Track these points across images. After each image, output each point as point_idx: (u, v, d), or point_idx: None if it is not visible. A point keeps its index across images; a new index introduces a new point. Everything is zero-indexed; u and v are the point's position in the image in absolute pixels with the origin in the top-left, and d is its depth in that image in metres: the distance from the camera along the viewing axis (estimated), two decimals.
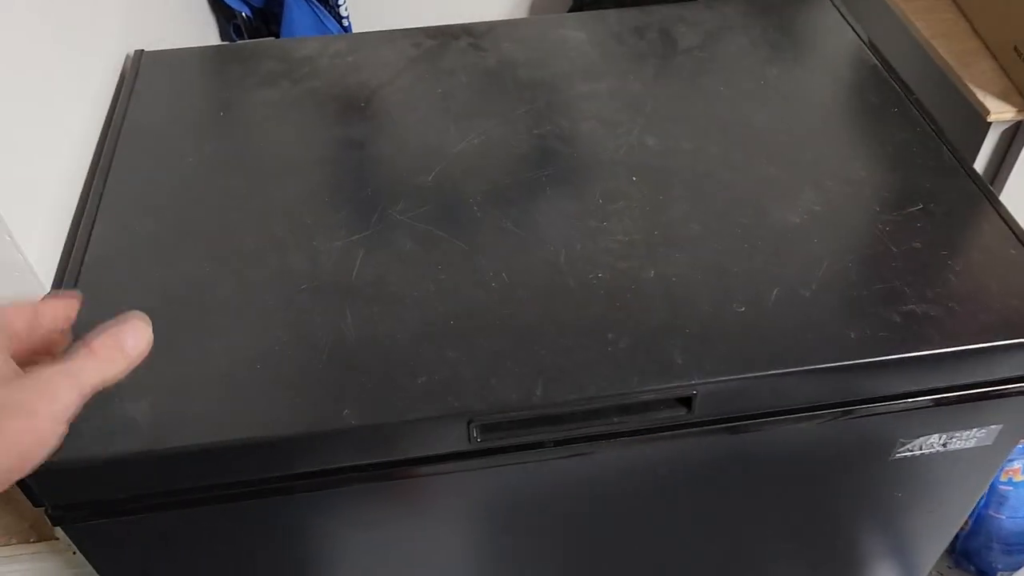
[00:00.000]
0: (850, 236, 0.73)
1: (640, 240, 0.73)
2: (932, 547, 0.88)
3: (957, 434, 0.72)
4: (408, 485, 0.66)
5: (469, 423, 0.61)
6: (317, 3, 1.35)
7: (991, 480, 0.80)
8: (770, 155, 0.81)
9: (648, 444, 0.66)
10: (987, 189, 0.77)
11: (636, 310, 0.67)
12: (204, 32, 1.36)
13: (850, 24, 0.99)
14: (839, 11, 1.01)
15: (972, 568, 1.43)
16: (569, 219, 0.75)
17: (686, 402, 0.63)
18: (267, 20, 1.41)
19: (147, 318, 0.42)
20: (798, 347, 0.64)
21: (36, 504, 0.60)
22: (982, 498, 1.34)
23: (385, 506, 0.68)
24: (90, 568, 0.89)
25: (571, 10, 1.57)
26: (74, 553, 0.91)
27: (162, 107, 0.88)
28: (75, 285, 0.69)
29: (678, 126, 0.85)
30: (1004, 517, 1.35)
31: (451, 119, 0.86)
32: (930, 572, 1.42)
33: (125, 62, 0.96)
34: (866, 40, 0.97)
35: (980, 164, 1.00)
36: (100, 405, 0.59)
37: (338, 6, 1.37)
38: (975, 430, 0.72)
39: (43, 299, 0.43)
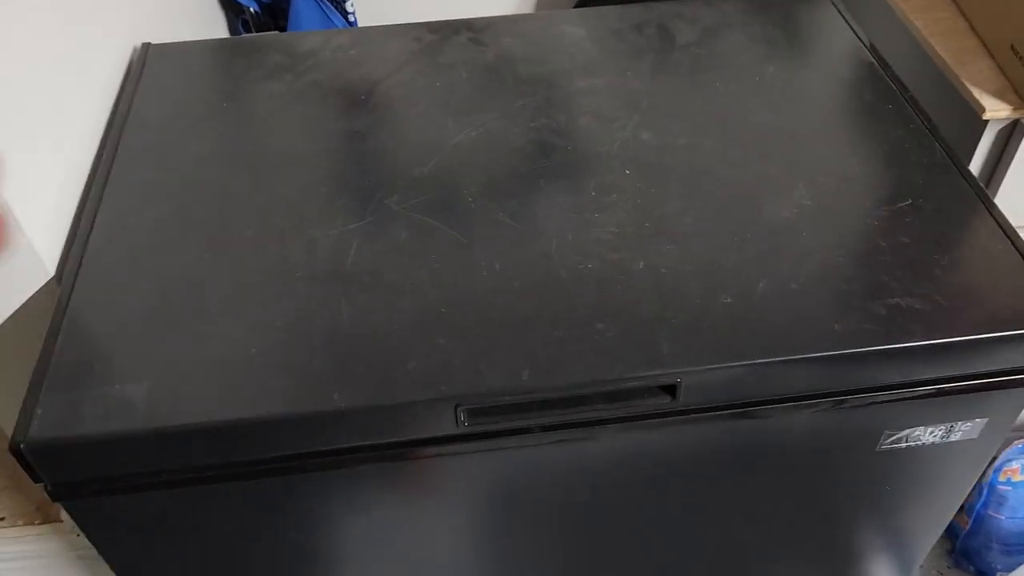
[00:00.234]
0: (840, 231, 0.74)
1: (632, 232, 0.74)
2: (923, 539, 0.89)
3: (942, 426, 0.72)
4: (398, 468, 0.68)
5: (457, 407, 0.62)
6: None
7: (979, 473, 0.80)
8: (765, 151, 0.82)
9: (634, 432, 0.67)
10: (977, 186, 0.78)
11: (625, 301, 0.68)
12: (213, 28, 1.38)
13: (848, 22, 1.00)
14: (837, 9, 1.02)
15: (972, 568, 1.43)
16: (563, 211, 0.76)
17: (670, 390, 0.64)
18: (275, 16, 1.43)
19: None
20: (783, 337, 0.65)
21: (36, 480, 0.61)
22: (981, 498, 1.35)
23: (377, 488, 0.70)
24: (93, 550, 0.92)
25: (577, 6, 1.58)
26: (77, 535, 0.93)
27: (167, 98, 0.90)
28: (78, 269, 0.71)
29: (674, 122, 0.86)
30: (1003, 517, 1.35)
31: (450, 113, 0.87)
32: (930, 572, 1.43)
33: (132, 54, 0.98)
34: (863, 38, 0.97)
35: (977, 162, 1.00)
36: (101, 387, 0.62)
37: (344, 2, 1.38)
38: (960, 423, 0.73)
39: None
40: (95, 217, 0.76)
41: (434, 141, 0.84)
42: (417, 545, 0.77)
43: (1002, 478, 1.33)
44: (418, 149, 0.83)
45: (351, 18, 1.41)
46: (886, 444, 0.73)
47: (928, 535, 0.89)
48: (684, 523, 0.82)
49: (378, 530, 0.74)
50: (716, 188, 0.78)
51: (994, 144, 0.98)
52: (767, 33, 0.98)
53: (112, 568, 0.73)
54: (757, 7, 1.02)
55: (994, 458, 1.32)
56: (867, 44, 0.97)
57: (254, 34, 1.39)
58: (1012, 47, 0.95)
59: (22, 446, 0.59)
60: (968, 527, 1.38)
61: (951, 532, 1.45)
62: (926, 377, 0.68)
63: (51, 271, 0.72)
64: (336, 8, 1.37)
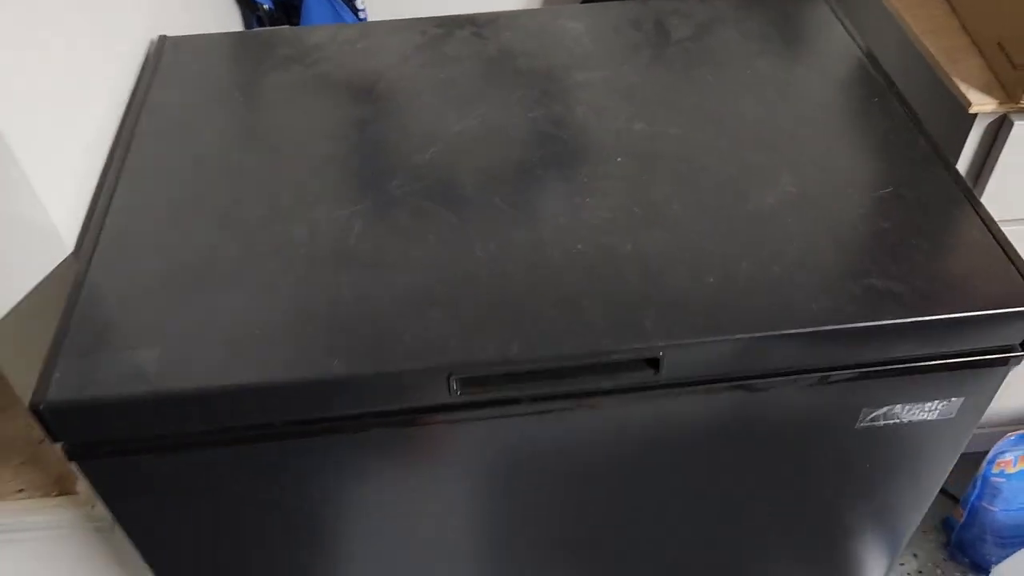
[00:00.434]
0: (823, 217, 0.77)
1: (622, 218, 0.77)
2: (906, 519, 0.91)
3: (919, 405, 0.75)
4: (396, 434, 0.71)
5: (450, 376, 0.65)
6: None
7: (958, 453, 0.83)
8: (753, 142, 0.85)
9: (619, 404, 0.71)
10: (958, 177, 0.81)
11: (613, 280, 0.71)
12: (227, 24, 1.42)
13: (839, 19, 1.03)
14: (829, 6, 1.05)
15: (966, 560, 1.44)
16: (556, 197, 0.80)
17: (654, 363, 0.67)
18: (288, 12, 1.47)
19: None
20: (763, 314, 0.68)
21: (54, 440, 0.65)
22: (975, 490, 1.36)
23: (376, 455, 0.73)
24: (108, 522, 0.96)
25: (583, 1, 1.60)
26: (92, 507, 0.97)
27: (182, 87, 0.94)
28: (95, 246, 0.75)
29: (667, 113, 0.89)
30: (997, 510, 1.37)
31: (451, 103, 0.91)
32: (926, 565, 1.45)
33: (149, 47, 1.02)
34: (855, 35, 1.00)
35: (966, 156, 1.02)
36: (114, 353, 0.66)
37: None
38: (937, 402, 0.75)
39: None
40: (112, 197, 0.80)
41: (435, 130, 0.88)
42: (414, 509, 0.80)
43: (996, 470, 1.35)
44: (419, 137, 0.87)
45: (362, 15, 1.45)
46: (865, 422, 0.76)
47: (911, 515, 0.91)
48: (667, 497, 0.85)
49: (377, 497, 0.78)
50: (705, 176, 0.82)
51: (983, 139, 1.00)
52: (760, 29, 1.01)
53: (125, 531, 0.77)
54: (751, 4, 1.05)
55: (986, 451, 1.34)
56: (858, 41, 0.99)
57: (266, 28, 1.43)
58: (999, 44, 0.98)
59: (41, 407, 0.63)
60: (963, 519, 1.40)
61: (947, 525, 1.47)
62: (902, 355, 0.71)
63: (70, 247, 0.76)
64: (347, 5, 1.41)
